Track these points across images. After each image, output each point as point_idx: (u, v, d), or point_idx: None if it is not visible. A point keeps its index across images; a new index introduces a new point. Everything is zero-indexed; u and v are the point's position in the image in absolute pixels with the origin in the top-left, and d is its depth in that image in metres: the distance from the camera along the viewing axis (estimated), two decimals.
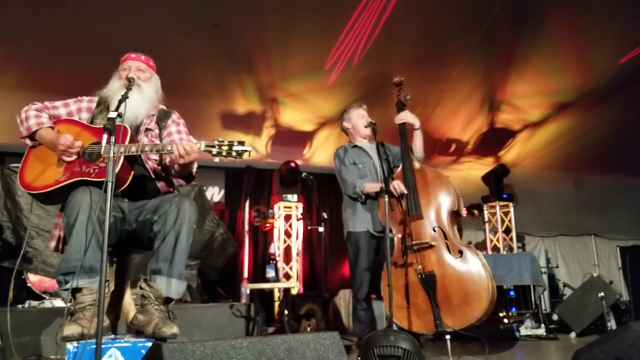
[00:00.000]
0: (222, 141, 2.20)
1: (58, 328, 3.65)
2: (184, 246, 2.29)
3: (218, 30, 5.50)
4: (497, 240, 7.10)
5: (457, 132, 7.49)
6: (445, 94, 6.74)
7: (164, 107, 2.71)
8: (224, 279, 5.70)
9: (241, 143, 2.21)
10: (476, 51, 6.19)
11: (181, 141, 2.33)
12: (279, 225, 6.40)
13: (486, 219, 7.24)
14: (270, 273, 4.39)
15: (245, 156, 2.22)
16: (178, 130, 2.62)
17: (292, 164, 6.22)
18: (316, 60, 5.95)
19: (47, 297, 4.35)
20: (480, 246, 7.23)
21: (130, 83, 2.34)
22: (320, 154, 7.09)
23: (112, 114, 2.07)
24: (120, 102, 2.16)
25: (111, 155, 2.04)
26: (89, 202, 2.20)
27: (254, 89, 6.26)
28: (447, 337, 3.10)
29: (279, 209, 6.41)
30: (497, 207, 7.17)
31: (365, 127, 3.59)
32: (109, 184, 2.00)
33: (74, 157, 2.35)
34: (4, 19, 5.20)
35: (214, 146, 2.19)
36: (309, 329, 4.55)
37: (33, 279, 4.43)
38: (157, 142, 2.50)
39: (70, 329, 2.08)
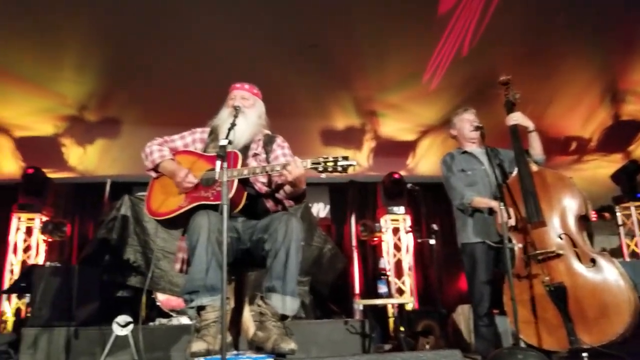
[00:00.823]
0: (327, 157, 2.28)
1: (185, 344, 3.91)
2: (294, 262, 2.34)
3: (313, 50, 5.64)
4: (635, 244, 6.37)
5: (576, 129, 6.89)
6: (559, 90, 6.24)
7: (268, 132, 2.82)
8: (335, 295, 5.70)
9: (345, 158, 2.27)
10: (589, 40, 5.67)
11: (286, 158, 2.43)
12: (387, 238, 6.30)
13: (620, 222, 6.51)
14: (382, 288, 4.29)
15: (350, 170, 2.28)
16: (283, 154, 2.72)
17: (396, 175, 6.12)
18: (414, 67, 5.84)
19: (174, 315, 4.66)
20: (616, 252, 6.50)
21: (236, 111, 2.48)
22: (424, 163, 6.91)
23: (223, 142, 2.22)
24: (229, 130, 2.31)
25: (225, 179, 2.16)
26: (208, 225, 2.34)
27: (351, 103, 6.31)
28: (585, 355, 2.78)
29: (385, 222, 6.31)
30: (632, 208, 6.46)
31: (471, 131, 3.41)
32: (225, 207, 2.11)
33: (189, 188, 2.51)
34: (124, 65, 5.81)
35: (319, 163, 2.28)
36: (427, 346, 4.36)
37: (161, 297, 4.77)
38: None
39: (197, 346, 2.19)
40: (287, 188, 2.53)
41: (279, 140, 2.78)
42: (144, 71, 5.91)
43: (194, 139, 2.78)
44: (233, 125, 2.35)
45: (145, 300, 4.63)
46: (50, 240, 6.48)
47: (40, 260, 6.40)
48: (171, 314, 4.68)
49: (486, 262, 3.32)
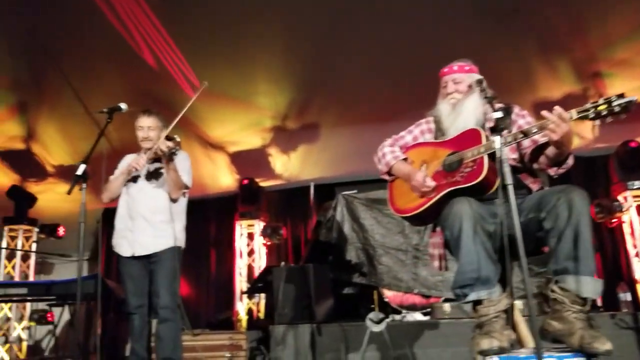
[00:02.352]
0: (596, 102, 1.98)
1: (425, 341, 3.77)
2: (587, 239, 2.03)
3: (515, 16, 5.10)
4: None
5: None
6: None
7: (501, 104, 2.53)
8: None
9: (620, 95, 1.94)
10: None
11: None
12: (628, 219, 5.36)
13: None
14: None
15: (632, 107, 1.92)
16: (527, 122, 2.44)
17: (633, 144, 5.21)
18: None
19: (404, 311, 4.58)
20: None
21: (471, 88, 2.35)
22: None
23: (497, 114, 2.06)
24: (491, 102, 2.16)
25: (503, 157, 1.99)
26: (470, 212, 2.17)
27: (567, 67, 5.56)
28: None
29: (625, 200, 5.39)
30: None
31: None
32: (509, 187, 1.94)
33: (427, 193, 2.37)
34: (315, 70, 5.97)
35: (587, 110, 2.00)
36: None
37: (388, 293, 4.74)
38: (509, 139, 2.30)
39: (487, 343, 2.03)
40: (550, 151, 2.22)
41: (517, 109, 2.52)
42: (336, 72, 6.00)
43: (421, 130, 2.66)
44: (493, 97, 2.19)
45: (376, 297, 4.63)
46: (269, 243, 7.00)
47: (263, 262, 6.93)
48: (400, 310, 4.60)
49: None
